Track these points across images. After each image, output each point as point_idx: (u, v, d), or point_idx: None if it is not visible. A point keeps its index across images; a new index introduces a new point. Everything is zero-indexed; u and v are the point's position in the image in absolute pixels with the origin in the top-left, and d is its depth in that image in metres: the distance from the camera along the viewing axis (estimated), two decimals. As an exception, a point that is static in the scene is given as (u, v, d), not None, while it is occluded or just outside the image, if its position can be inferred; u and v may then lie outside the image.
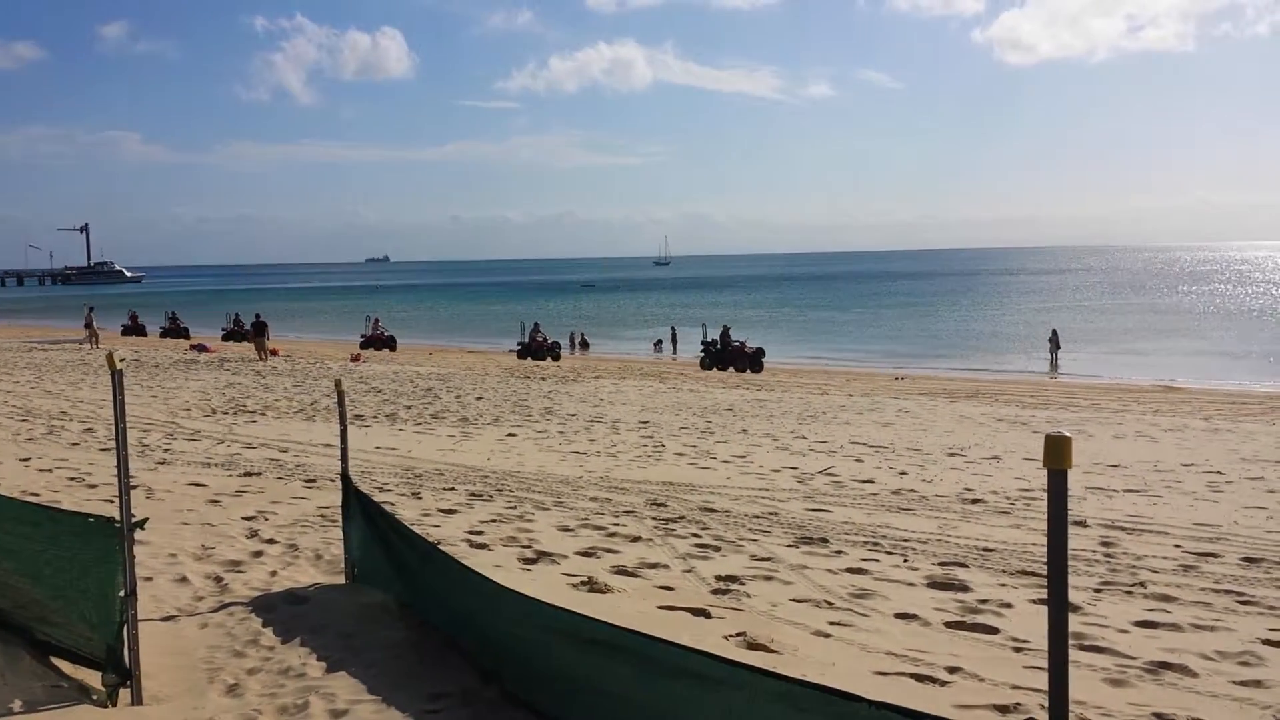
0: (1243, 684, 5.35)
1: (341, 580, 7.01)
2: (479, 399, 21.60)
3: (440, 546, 7.55)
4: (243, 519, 9.13)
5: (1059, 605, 2.42)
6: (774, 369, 37.39)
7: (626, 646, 3.93)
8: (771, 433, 16.53)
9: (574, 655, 4.22)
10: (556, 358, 41.71)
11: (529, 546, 8.30)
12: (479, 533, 8.78)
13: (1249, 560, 8.09)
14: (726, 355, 38.26)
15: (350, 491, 6.85)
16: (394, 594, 6.36)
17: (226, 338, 50.61)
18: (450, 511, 9.74)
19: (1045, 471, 2.50)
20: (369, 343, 46.66)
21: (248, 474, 11.70)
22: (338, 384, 6.95)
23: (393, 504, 9.87)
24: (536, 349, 42.07)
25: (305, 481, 11.23)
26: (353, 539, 6.87)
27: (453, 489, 11.01)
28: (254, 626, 6.06)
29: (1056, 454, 2.41)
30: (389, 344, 47.06)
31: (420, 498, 10.46)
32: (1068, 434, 2.42)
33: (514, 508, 9.99)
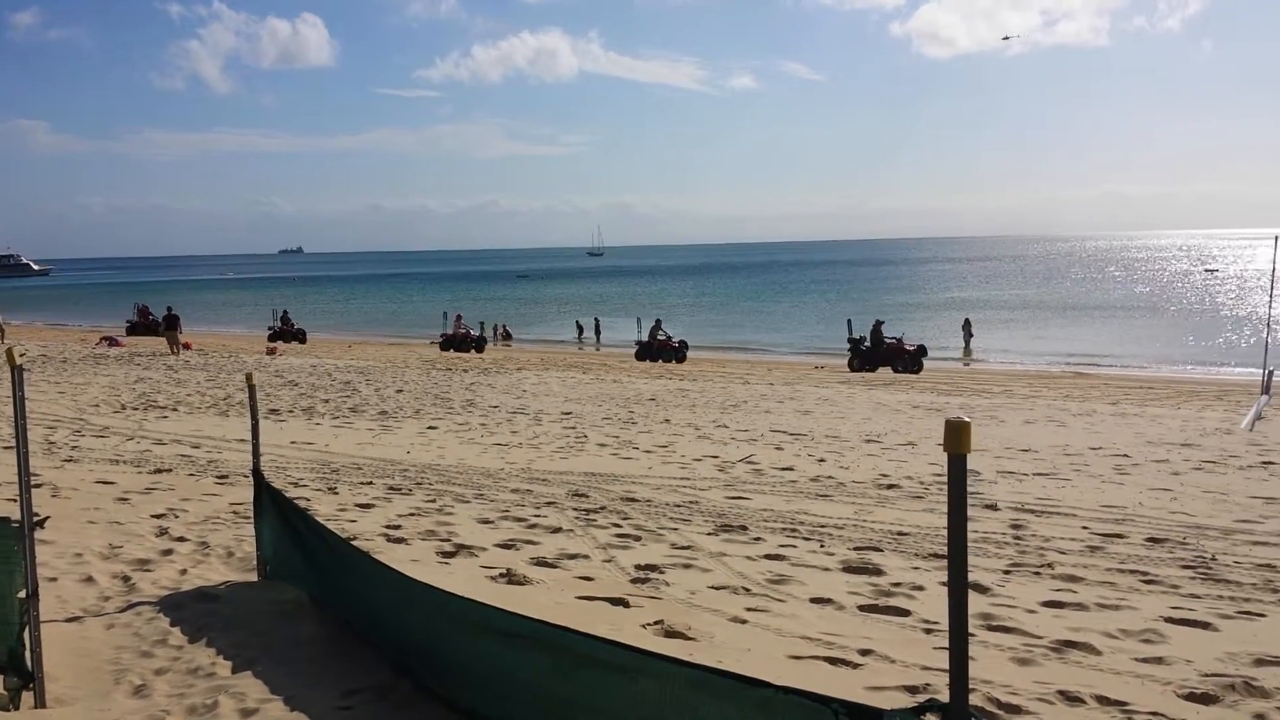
0: (1145, 661, 5.50)
1: (254, 578, 6.89)
2: (399, 392, 21.36)
3: (356, 541, 7.48)
4: (152, 517, 8.92)
5: (959, 585, 2.46)
6: (696, 359, 37.37)
7: (540, 638, 3.91)
8: (694, 422, 16.61)
9: (488, 648, 4.19)
10: (682, 359, 36.71)
11: (448, 540, 8.23)
12: (397, 527, 8.69)
13: (1153, 541, 8.33)
14: (880, 354, 32.94)
15: (262, 487, 6.73)
16: (307, 591, 6.26)
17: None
18: (367, 506, 9.61)
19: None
20: (450, 342, 41.70)
21: (158, 471, 11.43)
22: (249, 377, 6.81)
23: (308, 499, 9.73)
24: (659, 348, 37.19)
25: (217, 478, 11.00)
26: (265, 536, 6.76)
27: (370, 483, 10.87)
28: (162, 626, 5.93)
29: (956, 439, 2.45)
30: (478, 345, 41.72)
31: (337, 492, 10.31)
32: (967, 419, 2.45)
33: (433, 501, 9.90)
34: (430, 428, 15.72)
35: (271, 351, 36.06)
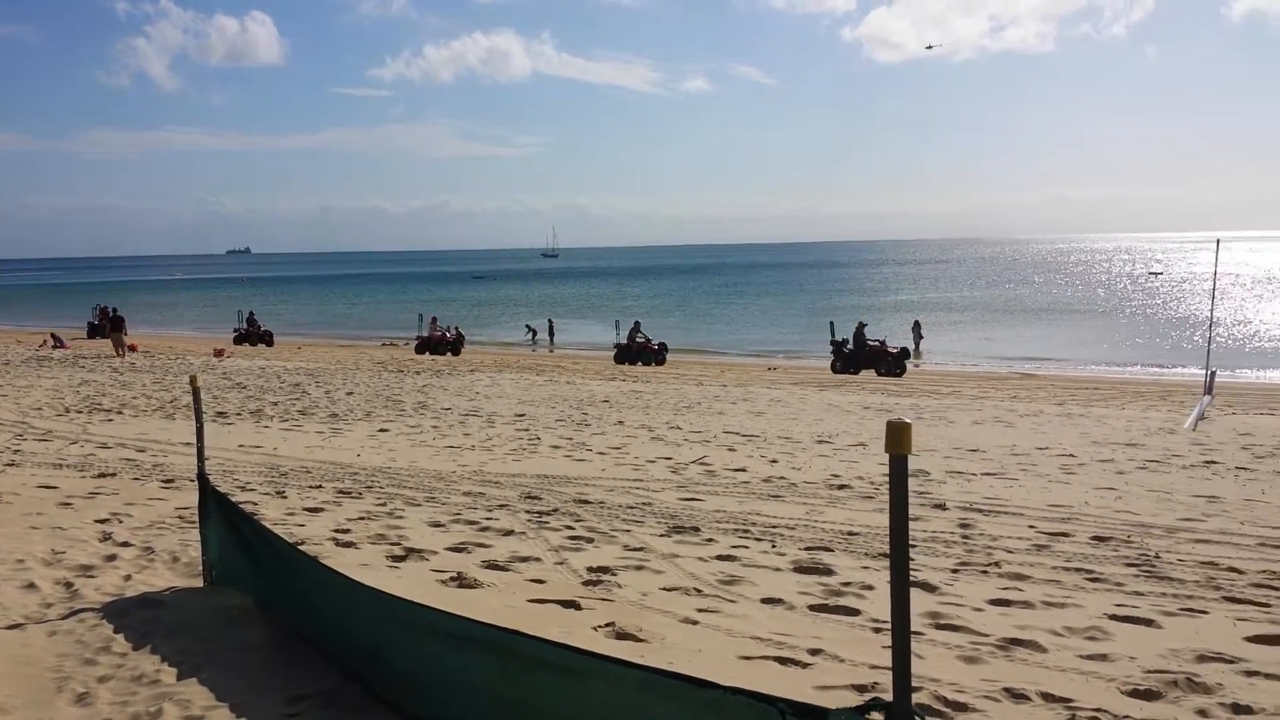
0: (1089, 658, 5.59)
1: (199, 583, 6.79)
2: (350, 394, 21.18)
3: (304, 546, 7.41)
4: (96, 522, 8.77)
5: (901, 585, 2.49)
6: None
7: (489, 641, 3.90)
8: (647, 424, 16.62)
9: (436, 652, 4.17)
10: (662, 361, 35.97)
11: (398, 544, 8.17)
12: (346, 531, 8.61)
13: (1098, 539, 8.46)
14: (862, 357, 32.57)
15: (207, 491, 6.64)
16: (254, 596, 6.19)
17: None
18: (316, 510, 9.51)
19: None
20: (425, 345, 40.63)
21: (102, 475, 11.24)
22: (193, 380, 6.72)
23: (256, 504, 9.62)
24: (639, 351, 36.34)
25: (163, 482, 10.84)
26: (211, 541, 6.66)
27: (320, 487, 10.76)
28: (106, 633, 5.83)
29: (897, 439, 2.47)
30: (453, 347, 40.78)
31: (285, 496, 10.19)
32: (907, 420, 2.48)
33: (384, 504, 9.82)
34: (381, 430, 15.60)
35: (219, 353, 35.60)
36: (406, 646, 4.39)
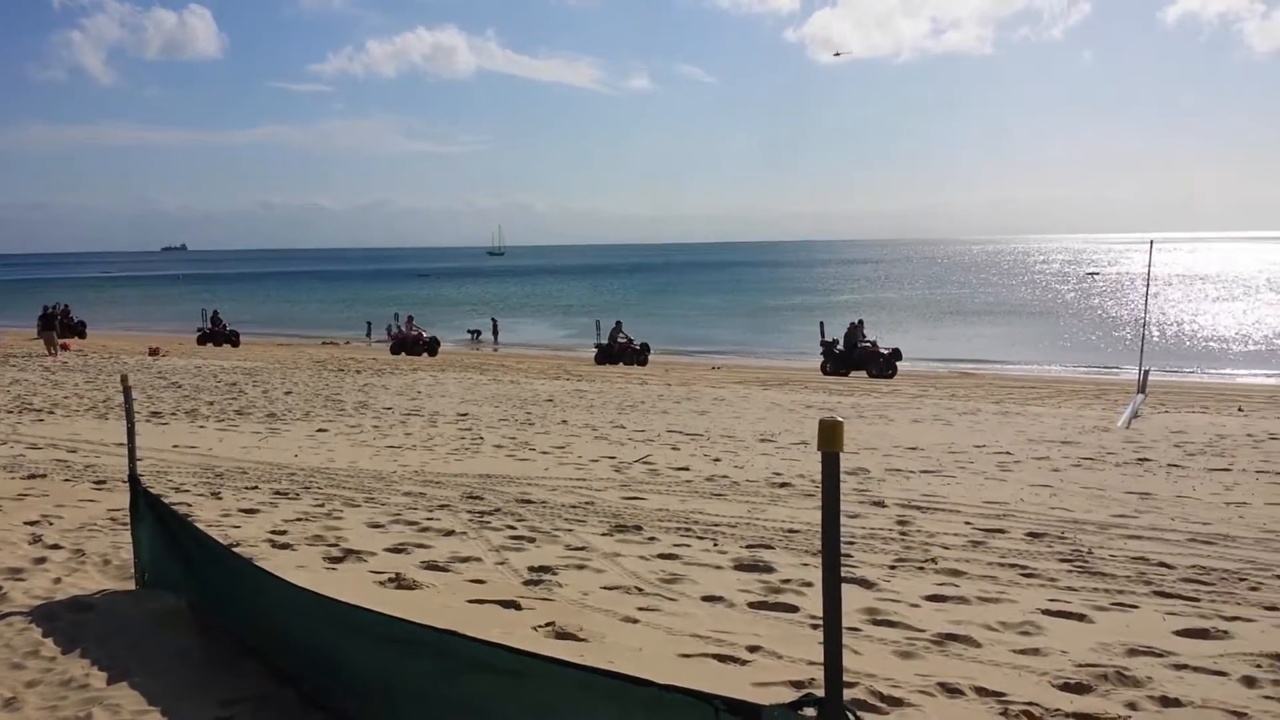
0: (1022, 652, 5.67)
1: (131, 586, 6.66)
2: (288, 393, 20.90)
3: (240, 547, 7.31)
4: (25, 524, 8.57)
5: (833, 581, 2.50)
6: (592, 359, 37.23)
7: (426, 643, 3.86)
8: (591, 423, 16.59)
9: (372, 654, 4.12)
10: (644, 361, 35.05)
11: (335, 545, 8.08)
12: (282, 532, 8.49)
13: (1033, 535, 8.60)
14: (854, 358, 31.70)
15: (139, 492, 6.51)
16: (186, 599, 6.08)
17: (203, 340, 44.95)
18: (252, 511, 9.38)
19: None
20: (400, 345, 39.03)
21: (32, 476, 11.00)
22: (124, 379, 6.59)
23: (189, 505, 9.46)
24: (620, 351, 35.44)
25: (95, 483, 10.62)
26: (142, 543, 6.53)
27: (256, 488, 10.61)
28: (34, 637, 5.69)
29: (829, 438, 2.49)
30: (429, 348, 38.94)
31: (220, 497, 10.03)
32: (840, 419, 2.49)
33: (321, 505, 9.71)
34: (320, 430, 15.41)
35: (154, 352, 34.96)
36: (342, 649, 4.33)
